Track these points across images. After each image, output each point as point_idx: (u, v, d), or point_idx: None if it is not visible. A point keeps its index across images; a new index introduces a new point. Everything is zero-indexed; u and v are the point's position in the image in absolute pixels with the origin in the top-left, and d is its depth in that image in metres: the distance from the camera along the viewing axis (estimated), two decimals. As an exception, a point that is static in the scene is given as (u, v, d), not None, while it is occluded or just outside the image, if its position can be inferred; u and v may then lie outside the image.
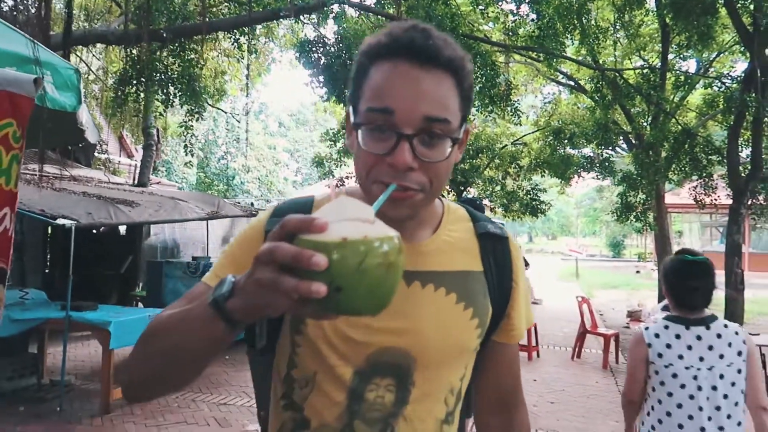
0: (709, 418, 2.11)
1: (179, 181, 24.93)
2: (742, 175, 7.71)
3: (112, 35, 6.99)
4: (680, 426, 2.13)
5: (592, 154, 13.63)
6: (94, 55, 11.00)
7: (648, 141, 9.40)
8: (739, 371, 2.15)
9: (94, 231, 9.63)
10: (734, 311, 7.07)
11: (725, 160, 8.25)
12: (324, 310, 0.67)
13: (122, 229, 10.06)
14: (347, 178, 13.55)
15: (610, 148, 13.16)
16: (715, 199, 9.16)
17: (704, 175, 9.00)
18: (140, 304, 8.65)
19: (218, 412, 5.18)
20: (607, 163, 11.91)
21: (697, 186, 9.22)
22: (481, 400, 1.14)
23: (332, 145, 14.06)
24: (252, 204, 11.21)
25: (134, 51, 7.26)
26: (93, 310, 5.26)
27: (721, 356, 2.15)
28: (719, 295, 8.00)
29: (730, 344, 2.17)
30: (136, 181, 10.57)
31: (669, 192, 16.30)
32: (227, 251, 1.03)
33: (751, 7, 7.88)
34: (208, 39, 7.82)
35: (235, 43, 7.88)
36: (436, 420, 0.99)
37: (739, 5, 8.09)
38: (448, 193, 12.92)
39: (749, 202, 7.81)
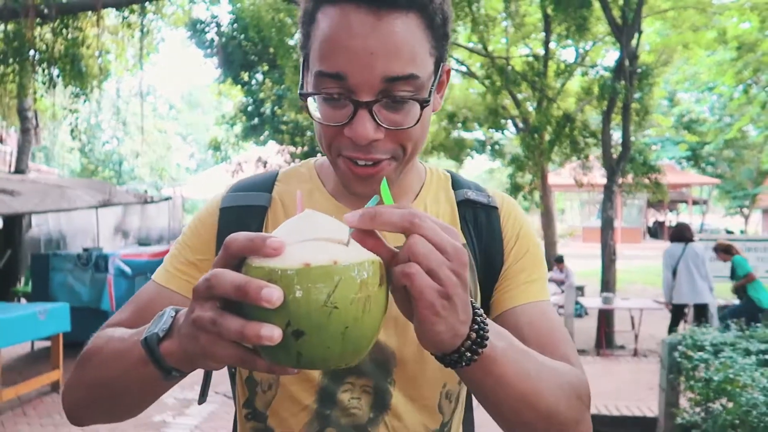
0: None
1: (60, 167, 23.14)
2: (614, 156, 8.49)
3: (-15, 11, 6.39)
4: None
5: (483, 137, 14.34)
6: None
7: (533, 125, 10.07)
8: None
9: (-36, 224, 8.81)
10: (608, 279, 7.84)
11: (601, 143, 9.04)
12: (280, 361, 0.52)
13: (-3, 220, 9.28)
14: (245, 162, 13.29)
15: (500, 131, 13.89)
16: (591, 179, 10.02)
17: (582, 156, 9.80)
18: (23, 301, 8.07)
19: (121, 405, 5.04)
20: (497, 146, 12.57)
21: (576, 166, 10.04)
22: None
23: (229, 129, 13.71)
24: (146, 191, 10.73)
25: (10, 27, 6.68)
26: (-27, 308, 4.89)
27: None
28: (596, 264, 8.82)
29: None
30: (12, 168, 9.74)
31: (552, 172, 17.52)
32: (179, 239, 0.87)
33: (620, 2, 8.64)
34: (93, 16, 7.34)
35: (124, 21, 7.48)
36: (426, 430, 0.84)
37: (610, 0, 8.85)
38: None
39: (620, 181, 8.62)
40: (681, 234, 6.80)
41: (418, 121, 0.73)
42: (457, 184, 0.92)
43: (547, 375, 0.70)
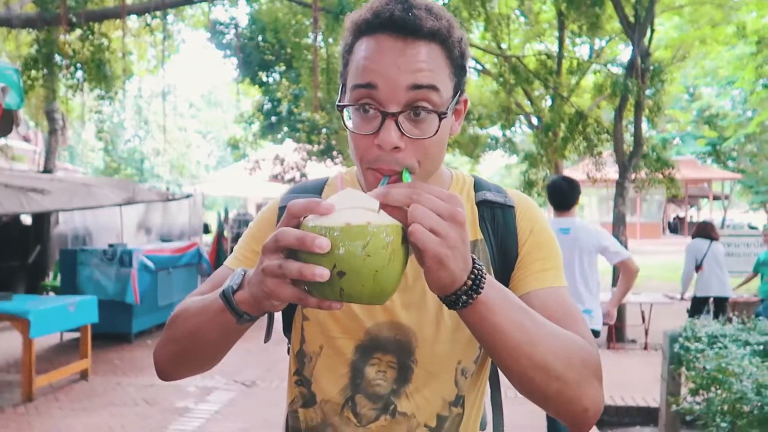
0: None
1: (83, 165, 23.73)
2: (627, 153, 8.56)
3: (17, 19, 6.71)
4: None
5: (500, 134, 14.43)
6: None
7: (546, 123, 10.15)
8: None
9: (-5, 221, 9.20)
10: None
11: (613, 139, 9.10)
12: (327, 296, 0.67)
13: (26, 217, 9.65)
14: (263, 160, 13.56)
15: (514, 128, 13.97)
16: (605, 175, 10.07)
17: (595, 153, 9.86)
18: (51, 294, 8.42)
19: (146, 393, 5.30)
20: (509, 144, 12.68)
21: (589, 163, 10.10)
22: None
23: (247, 127, 14.00)
24: (168, 188, 11.05)
25: (41, 35, 7.01)
26: (8, 300, 5.18)
27: None
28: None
29: None
30: (41, 168, 10.12)
31: (569, 168, 17.49)
32: (246, 232, 1.05)
33: (633, 0, 8.68)
34: (116, 20, 7.64)
35: (147, 27, 7.77)
36: (443, 401, 0.96)
37: (622, -2, 8.89)
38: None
39: (633, 177, 8.68)
40: (706, 232, 6.91)
41: (436, 132, 0.83)
42: (478, 186, 1.03)
43: (546, 332, 0.78)
